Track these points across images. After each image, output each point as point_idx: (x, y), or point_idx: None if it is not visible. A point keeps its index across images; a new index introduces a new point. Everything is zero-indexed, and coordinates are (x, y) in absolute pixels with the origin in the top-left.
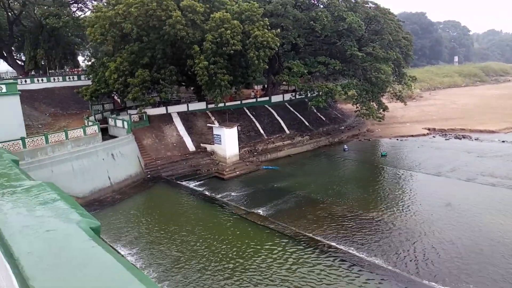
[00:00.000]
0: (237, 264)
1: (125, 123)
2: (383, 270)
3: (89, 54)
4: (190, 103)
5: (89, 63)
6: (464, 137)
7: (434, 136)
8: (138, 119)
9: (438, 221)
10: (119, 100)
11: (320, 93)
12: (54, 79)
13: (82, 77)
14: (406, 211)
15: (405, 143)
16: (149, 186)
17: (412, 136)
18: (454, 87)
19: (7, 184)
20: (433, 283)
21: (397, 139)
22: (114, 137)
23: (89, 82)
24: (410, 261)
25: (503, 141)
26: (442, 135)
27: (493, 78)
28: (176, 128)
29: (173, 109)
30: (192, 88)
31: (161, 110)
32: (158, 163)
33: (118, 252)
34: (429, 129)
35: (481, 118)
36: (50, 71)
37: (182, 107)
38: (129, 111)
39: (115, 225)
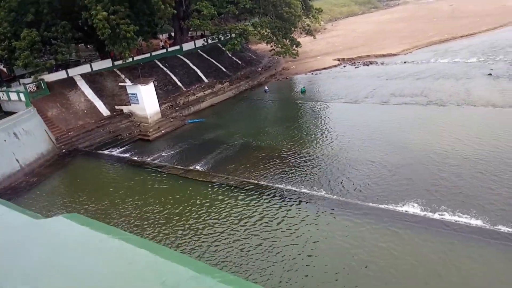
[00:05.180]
0: (190, 223)
1: (22, 95)
2: (327, 200)
3: None
4: (92, 63)
5: None
6: (371, 63)
7: (344, 66)
8: (35, 89)
9: (365, 145)
10: (5, 69)
11: (234, 35)
12: None
13: None
14: (335, 141)
15: (320, 76)
16: (66, 162)
17: (325, 68)
18: (353, 15)
19: None
20: (374, 204)
21: (312, 74)
22: (10, 113)
23: None
24: (347, 186)
25: (404, 62)
26: (351, 63)
27: (385, 3)
28: (83, 92)
29: (75, 72)
30: (92, 45)
31: (61, 75)
32: (71, 134)
33: None
34: (338, 60)
35: (381, 43)
36: None
37: (85, 68)
38: (22, 81)
39: (38, 212)
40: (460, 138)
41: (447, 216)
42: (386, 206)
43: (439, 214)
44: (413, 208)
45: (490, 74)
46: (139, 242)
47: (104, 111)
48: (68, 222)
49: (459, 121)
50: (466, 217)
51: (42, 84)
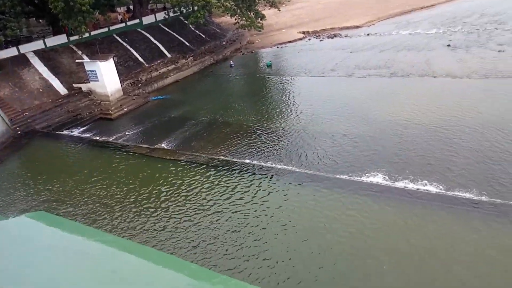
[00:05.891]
0: (158, 201)
1: None
2: (296, 173)
3: None
4: (46, 38)
5: None
6: (335, 35)
7: (309, 39)
8: None
9: (331, 117)
10: None
11: (196, 7)
12: None
13: None
14: (302, 115)
15: (285, 50)
16: (23, 144)
17: (290, 42)
18: None
19: None
20: (341, 175)
21: (278, 47)
22: None
23: None
24: (315, 159)
25: (368, 34)
26: (316, 36)
27: None
28: (37, 70)
29: (27, 48)
30: (44, 20)
31: (11, 52)
32: (27, 115)
33: None
34: (303, 33)
35: (346, 15)
36: None
37: (38, 44)
38: None
39: None
40: (422, 108)
41: (410, 185)
42: (352, 177)
43: (402, 183)
44: (378, 178)
45: (448, 45)
46: (122, 245)
47: (61, 89)
48: (34, 223)
49: (420, 92)
50: (427, 185)
51: None
